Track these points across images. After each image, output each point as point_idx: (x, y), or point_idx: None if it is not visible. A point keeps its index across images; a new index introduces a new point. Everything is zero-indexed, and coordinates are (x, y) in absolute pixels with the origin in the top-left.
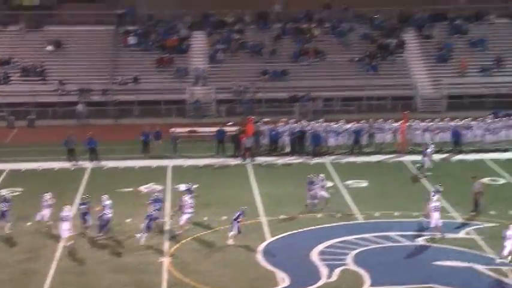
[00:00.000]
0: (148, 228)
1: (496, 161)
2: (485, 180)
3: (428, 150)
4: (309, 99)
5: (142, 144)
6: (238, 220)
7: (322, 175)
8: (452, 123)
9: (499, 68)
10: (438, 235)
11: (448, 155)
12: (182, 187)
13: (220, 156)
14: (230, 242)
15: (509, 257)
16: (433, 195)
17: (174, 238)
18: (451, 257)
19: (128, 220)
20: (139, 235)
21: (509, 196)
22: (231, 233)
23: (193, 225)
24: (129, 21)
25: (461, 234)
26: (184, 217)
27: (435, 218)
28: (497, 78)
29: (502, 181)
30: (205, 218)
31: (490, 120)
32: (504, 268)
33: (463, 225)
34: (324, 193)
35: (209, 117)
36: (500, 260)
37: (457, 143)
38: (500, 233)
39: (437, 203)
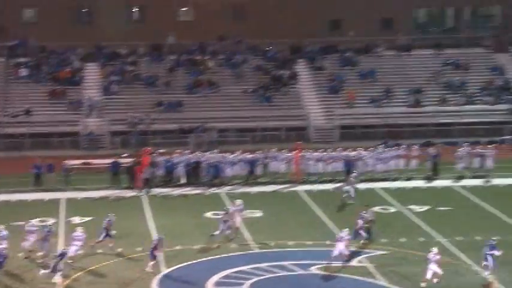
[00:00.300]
0: (54, 268)
1: (386, 189)
2: (376, 208)
3: (352, 178)
4: (204, 130)
5: (34, 177)
6: (155, 249)
7: (240, 200)
8: (345, 153)
9: (388, 99)
10: (338, 264)
11: (341, 184)
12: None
13: (115, 188)
14: (148, 269)
15: (435, 280)
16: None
17: (67, 271)
18: (344, 285)
19: (20, 254)
20: (42, 272)
21: (399, 224)
22: (151, 263)
23: (87, 257)
24: (20, 53)
25: (354, 262)
26: (72, 249)
27: (339, 248)
28: (387, 108)
29: (392, 209)
30: (100, 250)
31: (380, 150)
32: None
33: (355, 254)
34: (239, 219)
35: (103, 149)
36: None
37: (349, 172)
38: (391, 261)
39: (344, 234)
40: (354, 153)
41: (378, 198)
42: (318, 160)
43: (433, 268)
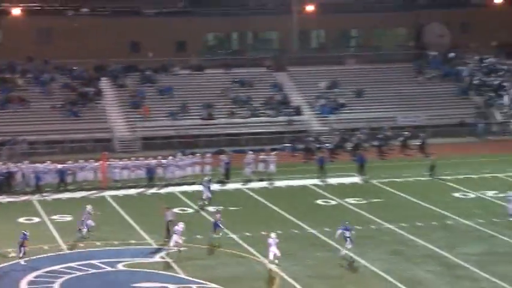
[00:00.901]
0: None
1: (184, 193)
2: (176, 210)
3: (205, 182)
4: (15, 143)
5: None
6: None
7: (89, 206)
8: (147, 162)
9: (184, 113)
10: (143, 260)
11: (143, 189)
12: None
13: None
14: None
15: (276, 261)
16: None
17: None
18: (148, 279)
19: None
20: None
21: (197, 223)
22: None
23: None
24: None
25: (157, 258)
26: None
27: (174, 239)
28: (183, 121)
29: (190, 210)
30: None
31: (178, 158)
32: (194, 286)
33: (157, 250)
34: (90, 221)
35: None
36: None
37: (151, 179)
38: (189, 255)
39: (180, 227)
40: (154, 161)
41: (177, 200)
42: (123, 168)
43: (273, 250)
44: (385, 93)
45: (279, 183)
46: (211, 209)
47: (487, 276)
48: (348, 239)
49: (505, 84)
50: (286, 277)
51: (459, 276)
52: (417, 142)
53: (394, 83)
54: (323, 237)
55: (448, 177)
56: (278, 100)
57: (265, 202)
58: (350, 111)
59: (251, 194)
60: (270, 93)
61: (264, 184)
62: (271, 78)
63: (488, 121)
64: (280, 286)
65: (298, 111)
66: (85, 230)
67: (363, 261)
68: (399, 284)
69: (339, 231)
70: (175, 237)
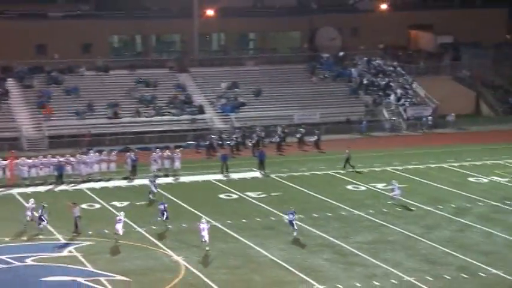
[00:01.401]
0: None
1: (91, 189)
2: (84, 205)
3: (151, 178)
4: None
5: None
6: None
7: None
8: (55, 159)
9: (91, 112)
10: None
11: (52, 186)
12: None
13: None
14: None
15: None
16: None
17: None
18: (57, 272)
19: None
20: None
21: (103, 218)
22: None
23: None
24: None
25: (65, 252)
26: None
27: (117, 227)
28: (90, 120)
29: (97, 206)
30: None
31: (85, 156)
32: (102, 279)
33: (66, 245)
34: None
35: None
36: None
37: (60, 176)
38: (97, 249)
39: (121, 217)
40: (62, 159)
41: (85, 196)
42: (31, 166)
43: (204, 235)
44: (282, 93)
45: (183, 179)
46: (117, 204)
47: (379, 263)
48: (292, 223)
49: (391, 84)
50: (190, 268)
51: (353, 263)
52: (312, 138)
53: (290, 83)
54: (225, 229)
55: (341, 171)
56: (181, 100)
57: (171, 197)
58: (250, 110)
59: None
60: (174, 93)
61: (170, 180)
62: (174, 79)
63: (371, 119)
64: (184, 277)
65: (200, 110)
66: (44, 223)
67: (263, 251)
68: (298, 272)
69: (287, 216)
70: (117, 226)
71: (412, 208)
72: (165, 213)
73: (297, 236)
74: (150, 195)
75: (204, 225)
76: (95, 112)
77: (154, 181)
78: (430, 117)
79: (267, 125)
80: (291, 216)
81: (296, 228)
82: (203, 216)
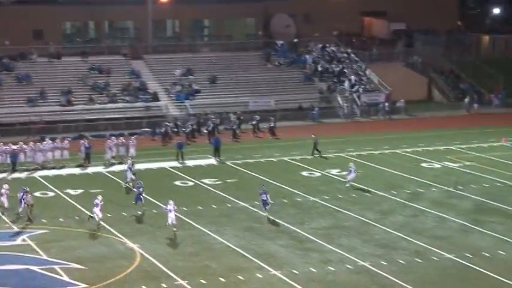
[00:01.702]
0: None
1: (45, 177)
2: (37, 193)
3: (127, 165)
4: None
5: None
6: None
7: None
8: (8, 147)
9: (43, 99)
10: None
11: (5, 174)
12: None
13: None
14: None
15: (174, 229)
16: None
17: None
18: (11, 261)
19: None
20: None
21: (58, 206)
22: None
23: None
24: None
25: (19, 241)
26: None
27: (95, 211)
28: (42, 107)
29: (51, 194)
30: None
31: (39, 143)
32: (56, 267)
33: (19, 233)
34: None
35: None
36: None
37: (14, 164)
38: (51, 237)
39: (98, 201)
40: (15, 146)
41: (38, 184)
42: None
43: (171, 216)
44: (237, 80)
45: (139, 166)
46: (71, 192)
47: (334, 248)
48: (265, 202)
49: (345, 70)
50: (146, 255)
51: (309, 249)
52: (267, 125)
53: (245, 70)
54: (181, 216)
55: (297, 158)
56: (136, 87)
57: (126, 184)
58: (205, 97)
59: (112, 177)
60: (128, 80)
61: (124, 167)
62: (128, 66)
63: (326, 105)
64: (140, 264)
65: (155, 97)
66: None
67: (219, 238)
68: (254, 259)
69: (260, 195)
70: (95, 210)
71: (367, 194)
72: (141, 196)
73: (252, 224)
74: (128, 183)
75: (171, 207)
76: (47, 99)
77: (131, 168)
78: (386, 104)
79: (222, 112)
80: (264, 196)
81: (268, 208)
82: (157, 201)
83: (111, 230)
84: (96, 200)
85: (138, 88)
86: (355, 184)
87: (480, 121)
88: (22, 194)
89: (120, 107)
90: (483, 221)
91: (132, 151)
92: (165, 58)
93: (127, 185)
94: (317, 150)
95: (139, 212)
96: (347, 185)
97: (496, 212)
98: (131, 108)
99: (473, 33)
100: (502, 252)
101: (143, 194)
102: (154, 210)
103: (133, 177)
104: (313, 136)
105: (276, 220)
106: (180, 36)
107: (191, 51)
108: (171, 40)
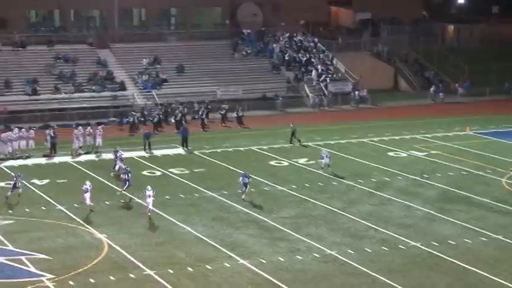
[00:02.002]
0: None
1: (10, 167)
2: (2, 184)
3: (118, 154)
4: None
5: None
6: None
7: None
8: None
9: (8, 89)
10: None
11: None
12: None
13: None
14: None
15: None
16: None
17: None
18: None
19: None
20: None
21: (22, 196)
22: None
23: None
24: None
25: None
26: None
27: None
28: (8, 97)
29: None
30: None
31: (4, 134)
32: (23, 257)
33: None
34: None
35: None
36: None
37: None
38: (17, 228)
39: (87, 186)
40: None
41: (3, 175)
42: None
43: (149, 201)
44: (204, 69)
45: (105, 156)
46: (37, 182)
47: (302, 237)
48: (246, 185)
49: (312, 60)
50: (113, 245)
51: (277, 238)
52: (235, 115)
53: (212, 60)
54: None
55: (265, 147)
56: (102, 76)
57: (93, 174)
58: (172, 86)
59: (79, 166)
60: (94, 70)
61: (92, 157)
62: (94, 55)
63: (293, 95)
64: (107, 254)
65: (122, 86)
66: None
67: (187, 228)
68: (222, 248)
69: (240, 179)
70: (85, 196)
71: (334, 183)
72: (127, 182)
73: (220, 213)
74: (117, 172)
75: (149, 192)
76: (12, 89)
77: (118, 156)
78: (357, 92)
79: (189, 102)
80: (246, 179)
81: (247, 190)
82: (125, 191)
83: (78, 220)
84: (85, 186)
85: (104, 77)
86: (323, 174)
87: (445, 110)
88: (16, 178)
89: (87, 96)
90: (449, 210)
91: (99, 141)
92: (132, 47)
93: (115, 172)
94: (297, 139)
95: (126, 199)
96: (321, 171)
97: (462, 200)
98: (98, 98)
99: (439, 23)
100: (468, 241)
101: (129, 181)
102: (122, 200)
103: (123, 166)
104: (291, 125)
105: (245, 210)
106: (147, 25)
107: (158, 40)
108: (137, 29)
